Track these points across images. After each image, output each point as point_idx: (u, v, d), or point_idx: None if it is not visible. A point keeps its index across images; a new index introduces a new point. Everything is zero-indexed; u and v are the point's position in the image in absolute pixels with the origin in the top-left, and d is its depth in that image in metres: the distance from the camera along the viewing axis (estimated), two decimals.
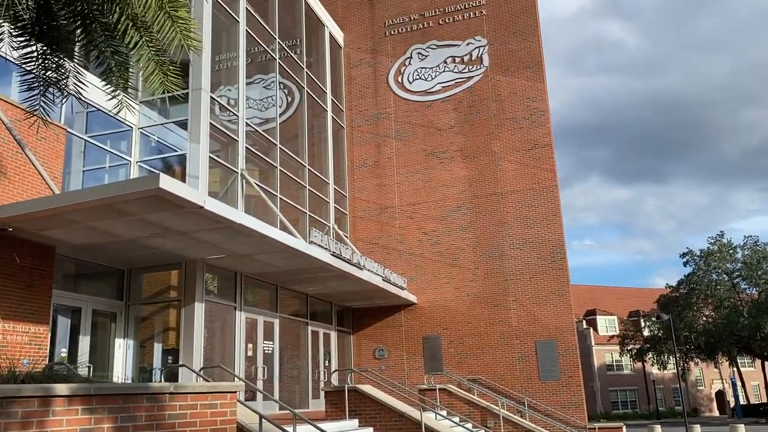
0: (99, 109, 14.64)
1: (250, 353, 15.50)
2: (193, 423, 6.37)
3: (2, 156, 11.01)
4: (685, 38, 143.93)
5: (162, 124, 15.42)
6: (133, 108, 8.98)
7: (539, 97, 22.24)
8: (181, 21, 7.05)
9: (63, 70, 8.61)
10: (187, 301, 13.57)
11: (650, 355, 48.15)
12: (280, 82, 20.37)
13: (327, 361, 19.96)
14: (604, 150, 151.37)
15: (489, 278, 21.12)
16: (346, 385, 13.89)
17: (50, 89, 8.67)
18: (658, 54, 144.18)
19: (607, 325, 57.35)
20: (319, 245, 14.68)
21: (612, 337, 53.68)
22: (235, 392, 6.95)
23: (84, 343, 12.67)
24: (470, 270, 21.39)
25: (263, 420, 8.94)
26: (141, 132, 15.35)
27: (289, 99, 21.08)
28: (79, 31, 8.24)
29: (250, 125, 17.59)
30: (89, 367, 11.98)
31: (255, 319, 15.94)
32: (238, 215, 11.15)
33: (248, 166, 17.62)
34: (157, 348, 14.34)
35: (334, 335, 20.56)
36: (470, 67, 23.22)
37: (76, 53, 8.68)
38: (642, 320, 51.61)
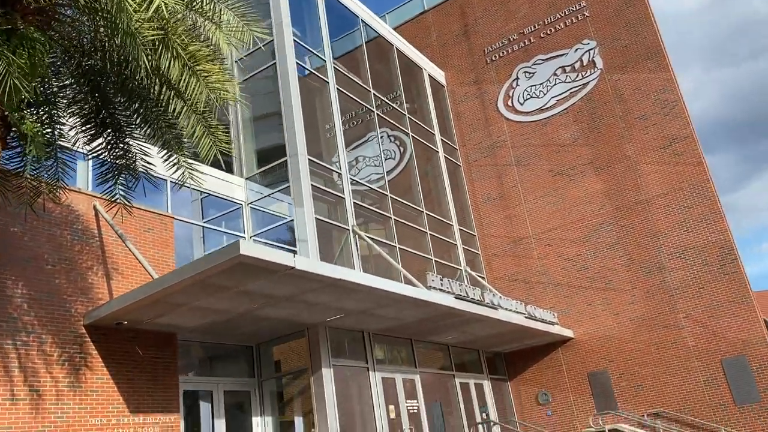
0: (211, 195, 15.13)
1: (392, 415, 14.56)
2: None
3: (113, 253, 11.40)
4: None
5: (268, 195, 15.51)
6: (198, 177, 8.81)
7: (668, 88, 19.88)
8: (205, 74, 6.73)
9: (131, 155, 8.71)
10: (315, 368, 13.08)
11: None
12: (390, 135, 20.11)
13: (485, 414, 18.44)
14: None
15: (651, 297, 18.61)
16: None
17: (123, 174, 8.78)
18: None
19: None
20: (440, 289, 13.62)
21: None
22: None
23: (220, 426, 12.51)
24: (627, 291, 19.04)
25: None
26: (251, 207, 15.55)
27: (402, 149, 20.70)
28: (135, 115, 8.30)
29: (356, 181, 17.28)
30: None
31: (392, 378, 15.06)
32: (332, 270, 10.49)
33: (367, 223, 17.23)
34: (298, 422, 13.89)
35: (487, 384, 19.04)
36: (583, 73, 21.46)
37: (139, 136, 8.75)
38: None
